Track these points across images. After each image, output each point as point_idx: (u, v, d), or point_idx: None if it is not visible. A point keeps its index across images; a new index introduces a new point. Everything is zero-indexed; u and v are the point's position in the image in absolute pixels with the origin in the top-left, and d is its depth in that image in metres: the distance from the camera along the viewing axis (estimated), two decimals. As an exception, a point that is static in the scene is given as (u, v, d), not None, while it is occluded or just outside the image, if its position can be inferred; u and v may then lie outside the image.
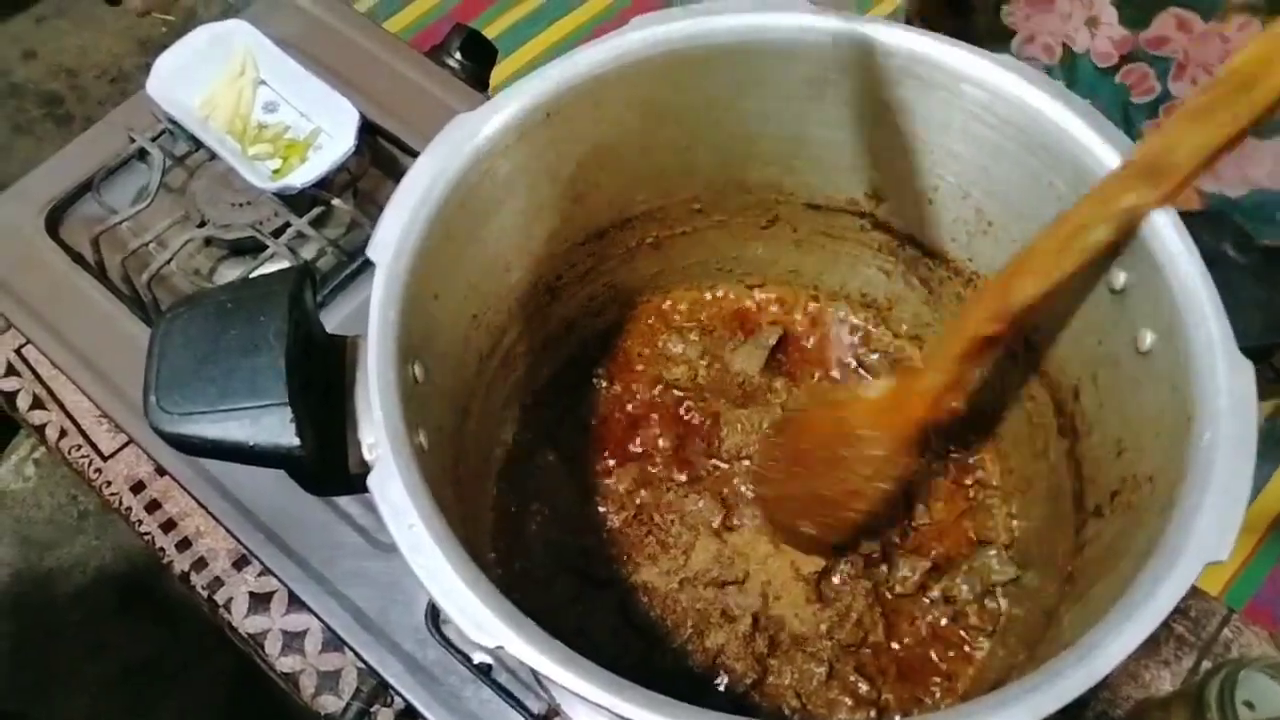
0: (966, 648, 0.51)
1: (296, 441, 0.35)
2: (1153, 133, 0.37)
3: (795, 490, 0.52)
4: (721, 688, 0.50)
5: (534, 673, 0.57)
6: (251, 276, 0.38)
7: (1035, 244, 0.40)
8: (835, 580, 0.52)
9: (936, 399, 0.45)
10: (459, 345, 0.46)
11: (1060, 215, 0.40)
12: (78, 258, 0.74)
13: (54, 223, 0.76)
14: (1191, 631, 0.63)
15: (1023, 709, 0.31)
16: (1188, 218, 0.40)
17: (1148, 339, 0.40)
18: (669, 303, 0.61)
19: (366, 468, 0.36)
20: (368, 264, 0.40)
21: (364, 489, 0.36)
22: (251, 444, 0.35)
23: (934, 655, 0.51)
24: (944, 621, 0.52)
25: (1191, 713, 0.52)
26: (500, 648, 0.32)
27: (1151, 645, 0.62)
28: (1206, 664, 0.62)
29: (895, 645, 0.51)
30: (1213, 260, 0.39)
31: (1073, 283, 0.41)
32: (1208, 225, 0.41)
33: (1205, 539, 0.34)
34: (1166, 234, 0.39)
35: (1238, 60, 0.37)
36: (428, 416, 0.41)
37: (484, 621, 0.32)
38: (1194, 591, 0.64)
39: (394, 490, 0.35)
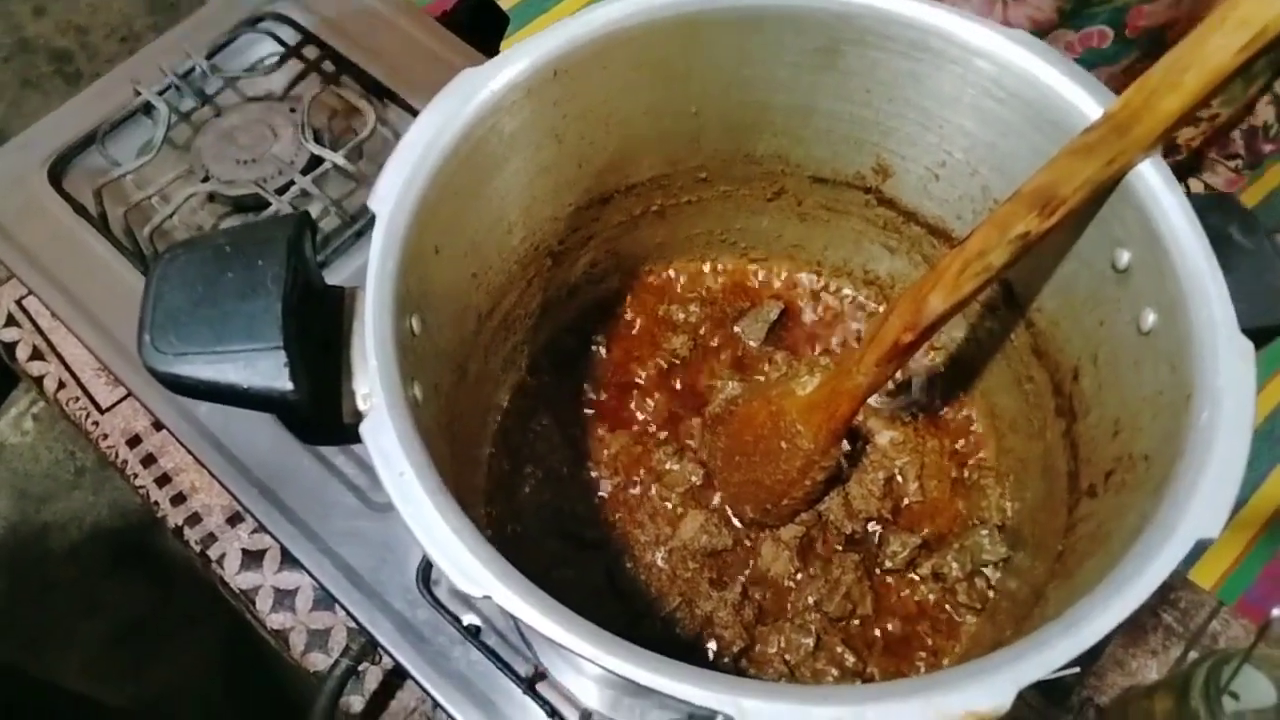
0: (954, 624, 0.51)
1: (290, 386, 0.35)
2: (1044, 167, 0.41)
3: (739, 478, 0.53)
4: (710, 655, 0.50)
5: (521, 634, 0.57)
6: (251, 222, 0.37)
7: (942, 264, 0.43)
8: (824, 553, 0.52)
9: (860, 399, 0.47)
10: (458, 303, 0.46)
11: (964, 238, 0.42)
12: (80, 209, 0.73)
13: (57, 174, 0.76)
14: (1180, 622, 0.63)
15: (1005, 676, 0.31)
16: (1194, 199, 0.40)
17: (1149, 319, 0.40)
18: (671, 273, 0.61)
19: (360, 417, 0.36)
20: (370, 226, 0.40)
21: (357, 439, 0.36)
22: (245, 386, 0.35)
23: (921, 630, 0.51)
24: (932, 598, 0.52)
25: (1176, 701, 0.52)
26: (487, 597, 0.32)
27: (1139, 634, 0.63)
28: (1194, 655, 0.62)
29: (883, 619, 0.51)
30: (1218, 243, 0.39)
31: (978, 297, 0.44)
32: (1214, 208, 0.41)
33: (1198, 517, 0.34)
34: (1172, 213, 0.39)
35: (1115, 105, 0.40)
36: (424, 371, 0.41)
37: (471, 570, 0.32)
38: (1185, 583, 0.64)
39: (386, 439, 0.35)
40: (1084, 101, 0.42)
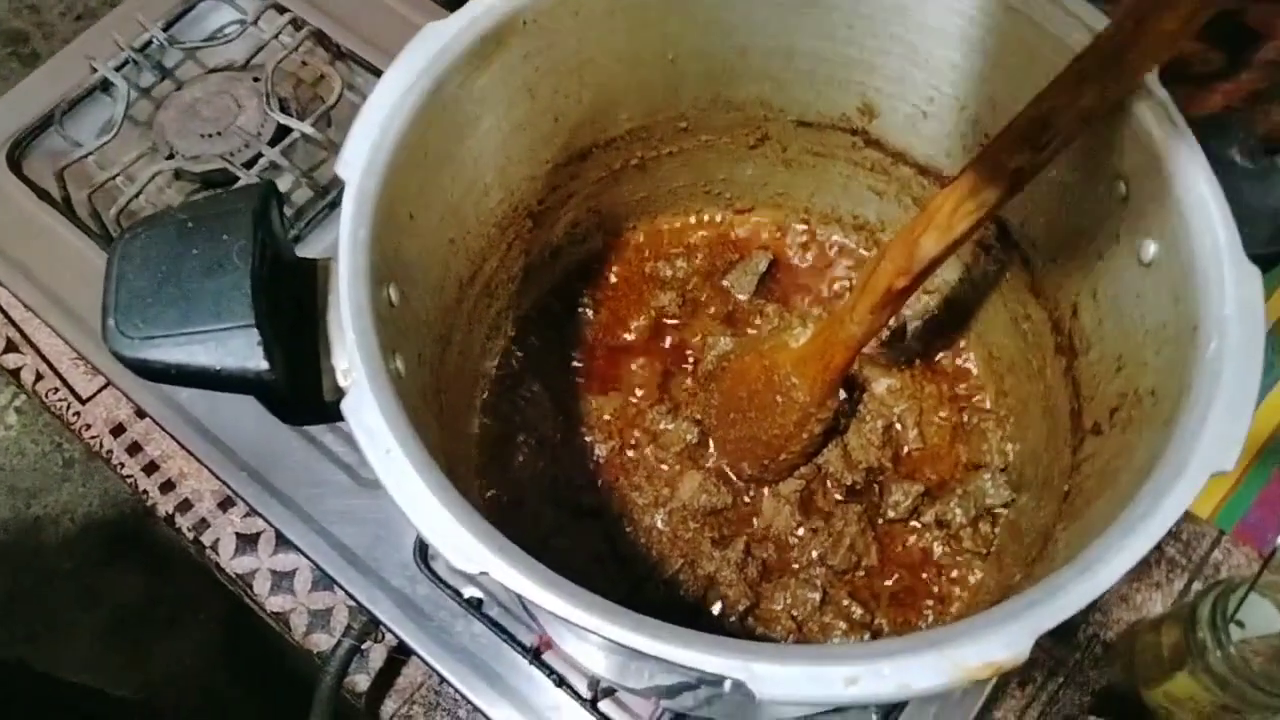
0: (960, 571, 0.51)
1: (265, 365, 0.33)
2: (1035, 99, 0.39)
3: (735, 435, 0.52)
4: (716, 615, 0.49)
5: (523, 604, 0.57)
6: (213, 195, 0.36)
7: (933, 205, 0.41)
8: (826, 506, 0.52)
9: (854, 348, 0.46)
10: (437, 270, 0.45)
11: (955, 177, 0.41)
12: (43, 194, 0.71)
13: (16, 158, 0.73)
14: (1183, 554, 0.63)
15: (1021, 625, 0.30)
16: (1194, 123, 0.38)
17: (1150, 249, 0.39)
18: (656, 228, 0.59)
19: (341, 394, 0.35)
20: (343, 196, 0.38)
21: (339, 417, 0.35)
22: (218, 368, 0.33)
23: (927, 579, 0.51)
24: (937, 546, 0.51)
25: (1183, 632, 0.52)
26: (484, 573, 0.31)
27: (1143, 568, 0.62)
28: (1197, 586, 0.62)
29: (889, 570, 0.51)
30: (1220, 167, 0.38)
31: (971, 236, 0.42)
32: (1215, 131, 0.40)
33: (1210, 450, 0.33)
34: (1171, 139, 0.38)
35: (1107, 30, 0.37)
36: (405, 343, 0.39)
37: (466, 547, 0.31)
38: (1185, 514, 0.64)
39: (370, 415, 0.33)
40: (1076, 28, 0.41)
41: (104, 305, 0.34)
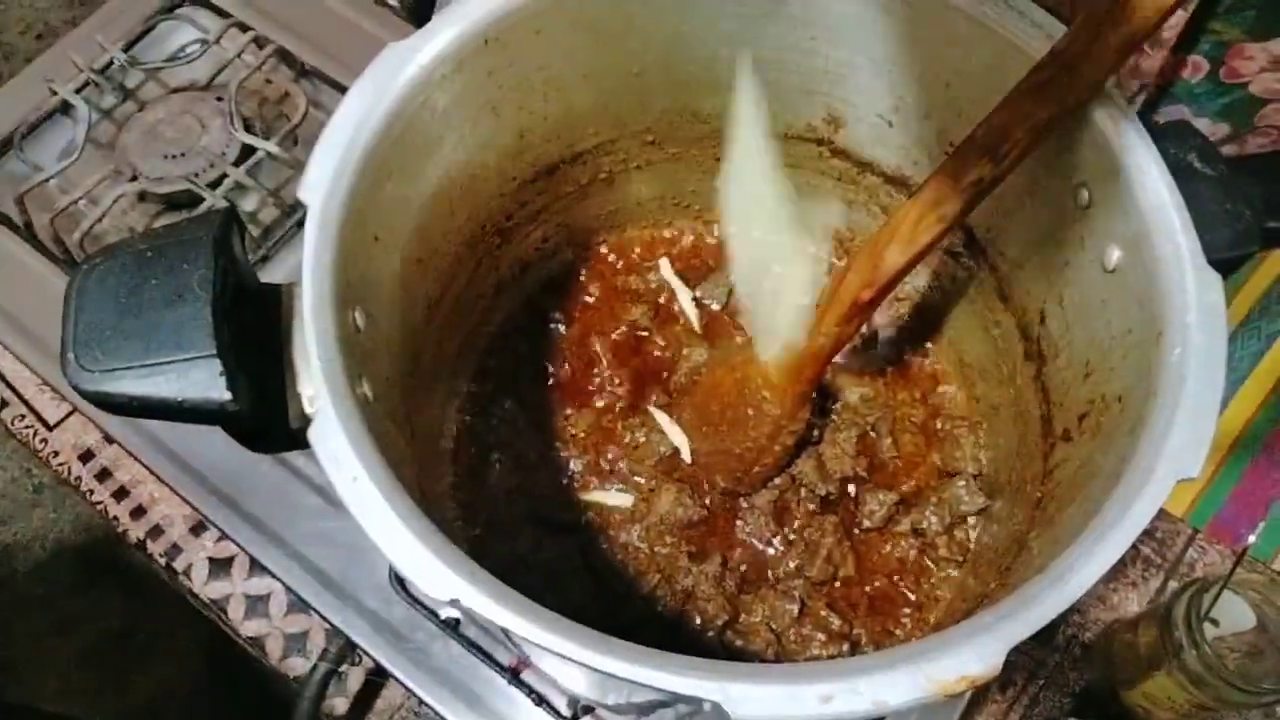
0: (937, 579, 0.51)
1: (228, 395, 0.33)
2: (994, 110, 0.39)
3: (709, 448, 0.52)
4: (695, 629, 0.49)
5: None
6: (172, 223, 0.35)
7: (896, 216, 0.41)
8: (802, 517, 0.52)
9: (825, 359, 0.46)
10: (405, 291, 0.44)
11: (918, 189, 0.41)
12: (3, 219, 0.70)
13: (-25, 183, 0.72)
14: (1158, 553, 0.63)
15: (994, 637, 0.30)
16: (1152, 130, 0.39)
17: (1114, 255, 0.39)
18: (626, 241, 0.59)
19: (308, 421, 0.34)
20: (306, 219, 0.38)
21: (306, 444, 0.34)
22: (180, 400, 0.33)
23: (904, 588, 0.51)
24: (913, 554, 0.51)
25: (1159, 632, 0.52)
26: (454, 600, 0.30)
27: (1119, 568, 0.63)
28: (1173, 584, 0.62)
29: (866, 579, 0.51)
30: (1178, 173, 0.38)
31: (936, 247, 0.42)
32: (1172, 137, 0.40)
33: (1176, 455, 0.33)
34: (1131, 147, 0.38)
35: (1062, 42, 0.38)
36: (373, 366, 0.39)
37: (435, 574, 0.31)
38: (1160, 513, 0.64)
39: (336, 442, 0.33)
40: (1036, 36, 0.41)
41: (63, 339, 0.33)
